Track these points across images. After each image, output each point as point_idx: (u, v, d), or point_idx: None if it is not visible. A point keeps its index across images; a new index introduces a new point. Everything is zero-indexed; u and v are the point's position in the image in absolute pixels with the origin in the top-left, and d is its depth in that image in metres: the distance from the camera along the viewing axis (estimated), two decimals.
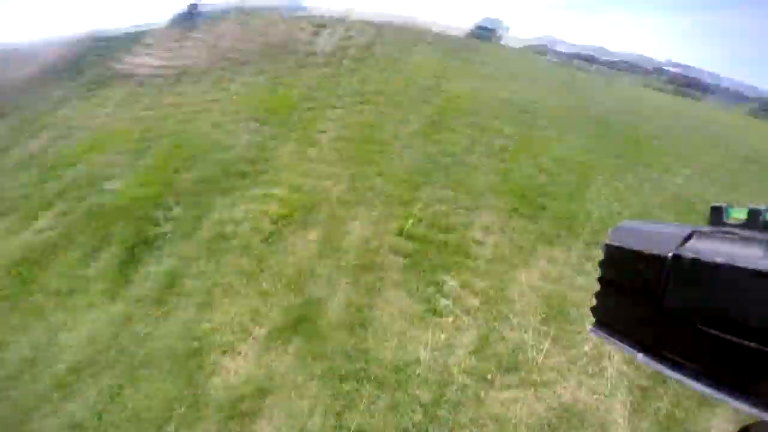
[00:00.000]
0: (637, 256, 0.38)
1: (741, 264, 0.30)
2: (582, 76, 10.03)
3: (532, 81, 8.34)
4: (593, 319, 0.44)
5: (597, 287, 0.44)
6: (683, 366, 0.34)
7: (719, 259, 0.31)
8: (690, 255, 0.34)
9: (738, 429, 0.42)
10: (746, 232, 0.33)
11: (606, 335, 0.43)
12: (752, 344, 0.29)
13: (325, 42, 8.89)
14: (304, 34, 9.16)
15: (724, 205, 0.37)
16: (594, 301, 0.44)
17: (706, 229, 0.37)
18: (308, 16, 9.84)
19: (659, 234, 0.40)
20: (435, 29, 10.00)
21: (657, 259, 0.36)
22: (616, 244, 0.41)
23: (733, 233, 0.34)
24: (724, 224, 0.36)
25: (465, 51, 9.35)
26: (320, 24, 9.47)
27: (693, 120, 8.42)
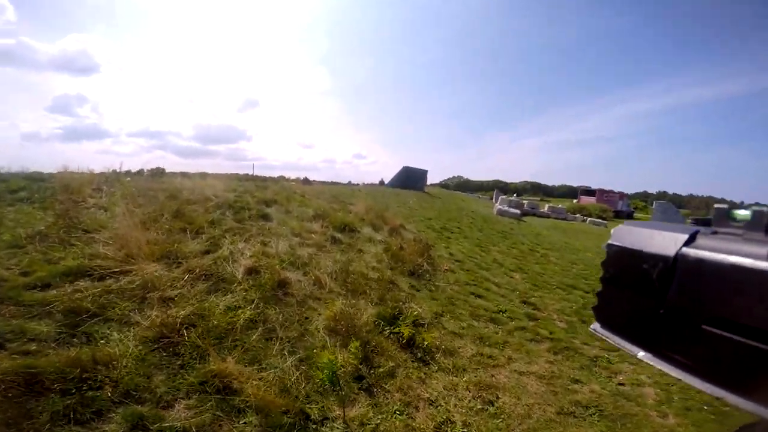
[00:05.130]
0: (641, 256, 0.34)
1: (744, 264, 0.27)
2: None
3: None
4: (595, 318, 0.42)
5: (599, 287, 0.40)
6: (685, 364, 0.29)
7: (723, 259, 0.28)
8: (694, 255, 0.32)
9: (739, 427, 0.39)
10: (749, 233, 0.30)
11: (608, 334, 0.40)
12: (755, 343, 0.25)
13: None
14: None
15: (727, 206, 0.34)
16: (596, 301, 0.41)
17: (710, 229, 0.34)
18: None
19: (663, 234, 0.36)
20: None
21: (661, 259, 0.32)
22: (619, 244, 0.36)
23: (737, 234, 0.31)
24: (728, 225, 0.33)
25: None
26: None
27: None
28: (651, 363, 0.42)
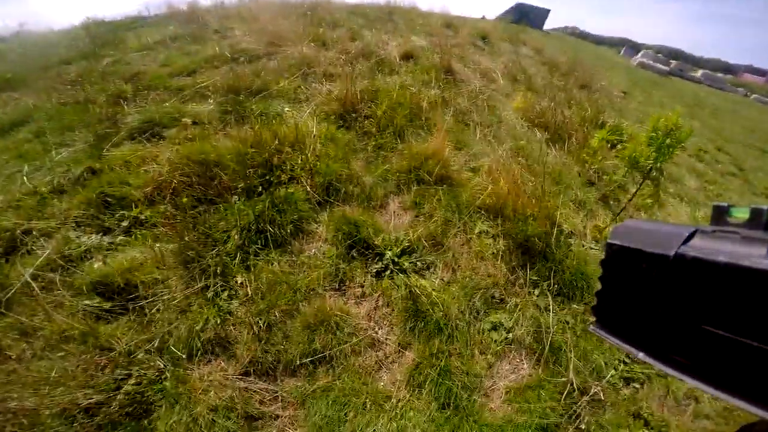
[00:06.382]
0: (639, 255, 0.38)
1: (744, 263, 0.29)
2: None
3: None
4: (594, 318, 0.43)
5: (598, 286, 0.42)
6: (685, 365, 0.34)
7: (722, 259, 0.30)
8: (692, 254, 0.33)
9: (739, 428, 0.39)
10: (748, 232, 0.32)
11: (607, 334, 0.41)
12: (755, 344, 0.28)
13: None
14: None
15: (726, 204, 0.35)
16: (595, 301, 0.42)
17: (709, 228, 0.35)
18: None
19: (661, 233, 0.38)
20: None
21: (660, 258, 0.35)
22: (618, 243, 0.40)
23: (736, 233, 0.33)
24: (726, 224, 0.35)
25: None
26: None
27: None
28: (651, 364, 0.36)
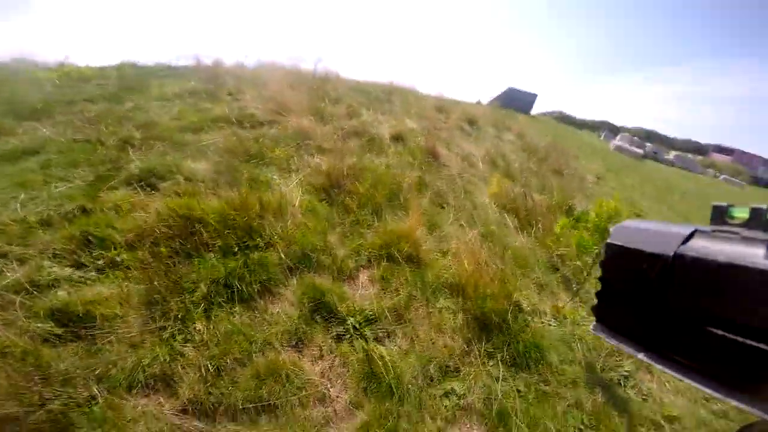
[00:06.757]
0: (639, 255, 0.38)
1: (744, 263, 0.29)
2: None
3: None
4: (594, 319, 0.43)
5: (598, 286, 0.42)
6: (685, 366, 0.34)
7: (721, 259, 0.31)
8: (692, 254, 0.33)
9: (739, 428, 0.39)
10: (748, 232, 0.33)
11: (607, 334, 0.42)
12: (756, 344, 0.28)
13: None
14: None
15: (725, 204, 0.36)
16: (595, 301, 0.43)
17: (708, 228, 0.36)
18: None
19: (661, 233, 0.38)
20: None
21: (659, 259, 0.36)
22: (617, 243, 0.40)
23: (735, 232, 0.34)
24: (726, 223, 0.36)
25: None
26: None
27: None
28: (651, 363, 0.37)
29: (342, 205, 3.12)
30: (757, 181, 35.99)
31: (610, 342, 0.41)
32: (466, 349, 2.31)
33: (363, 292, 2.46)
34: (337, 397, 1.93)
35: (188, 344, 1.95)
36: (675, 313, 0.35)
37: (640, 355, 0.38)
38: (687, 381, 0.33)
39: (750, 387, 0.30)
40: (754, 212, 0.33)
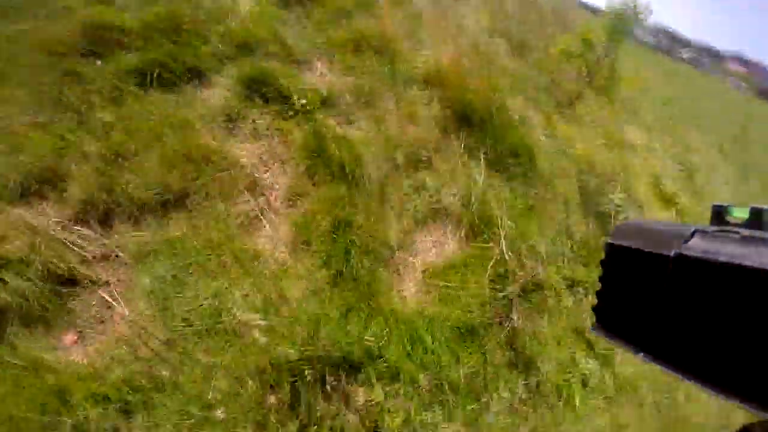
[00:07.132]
0: (639, 255, 0.37)
1: (744, 263, 0.29)
2: None
3: None
4: (594, 319, 0.42)
5: (598, 286, 0.41)
6: (686, 366, 0.33)
7: (722, 259, 0.30)
8: (692, 254, 0.33)
9: (738, 428, 0.36)
10: (748, 232, 0.32)
11: (607, 334, 0.40)
12: (755, 344, 0.28)
13: None
14: None
15: (725, 204, 0.36)
16: (595, 301, 0.42)
17: (709, 228, 0.35)
18: None
19: (661, 233, 0.37)
20: None
21: (659, 258, 0.35)
22: (618, 242, 0.39)
23: (736, 232, 0.32)
24: (726, 223, 0.35)
25: None
26: None
27: None
28: (652, 363, 0.35)
29: (303, 12, 2.48)
30: (764, 94, 35.65)
31: (611, 342, 0.39)
32: (443, 140, 1.89)
33: (319, 78, 1.96)
34: (274, 183, 1.53)
35: (87, 135, 1.50)
36: (675, 313, 0.34)
37: (640, 355, 0.37)
38: (687, 381, 0.33)
39: (750, 387, 0.28)
40: (755, 212, 0.33)
